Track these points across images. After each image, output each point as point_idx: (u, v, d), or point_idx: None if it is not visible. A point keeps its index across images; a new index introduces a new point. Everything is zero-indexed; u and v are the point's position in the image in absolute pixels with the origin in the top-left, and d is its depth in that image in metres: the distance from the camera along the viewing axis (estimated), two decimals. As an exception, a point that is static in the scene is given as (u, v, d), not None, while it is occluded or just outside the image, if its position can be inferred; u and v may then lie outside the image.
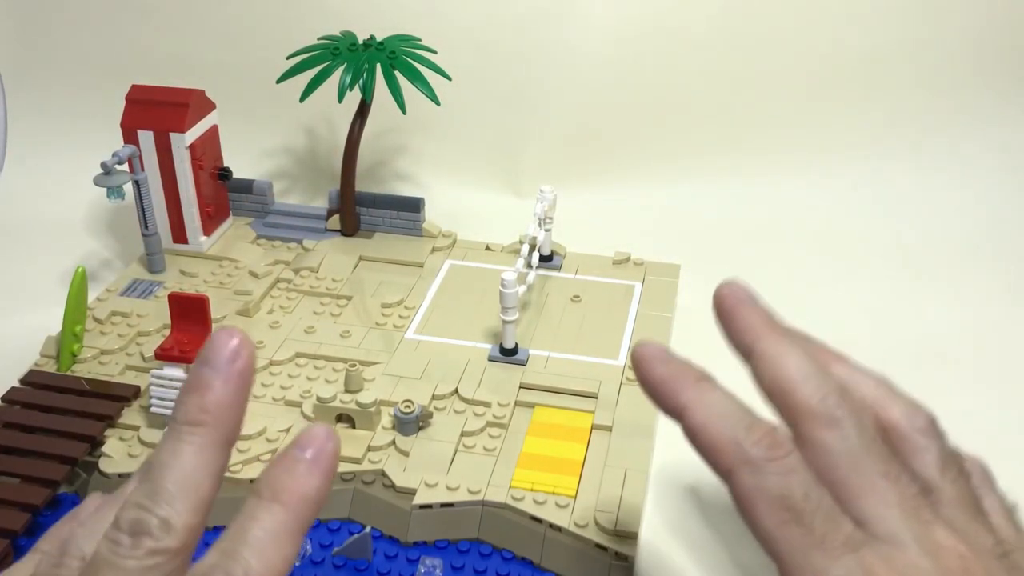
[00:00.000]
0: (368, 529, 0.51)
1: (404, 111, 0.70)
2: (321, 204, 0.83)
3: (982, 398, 0.65)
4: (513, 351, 0.64)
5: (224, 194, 0.79)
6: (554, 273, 0.74)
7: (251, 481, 0.55)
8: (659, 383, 0.37)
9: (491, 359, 0.64)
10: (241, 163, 0.82)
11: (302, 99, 0.71)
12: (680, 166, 0.89)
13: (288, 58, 0.72)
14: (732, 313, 0.38)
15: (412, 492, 0.53)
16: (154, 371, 0.57)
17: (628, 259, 0.75)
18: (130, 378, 0.62)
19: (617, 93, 0.88)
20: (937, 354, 0.69)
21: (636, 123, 0.89)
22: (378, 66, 0.71)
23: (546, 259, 0.74)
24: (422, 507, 0.53)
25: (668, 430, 0.60)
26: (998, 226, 0.84)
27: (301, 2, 0.88)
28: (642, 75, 0.88)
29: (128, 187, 0.70)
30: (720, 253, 0.81)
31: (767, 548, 0.33)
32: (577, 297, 0.71)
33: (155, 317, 0.67)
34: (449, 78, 0.73)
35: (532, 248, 0.68)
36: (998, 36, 0.87)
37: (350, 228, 0.78)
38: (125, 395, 0.60)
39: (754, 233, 0.84)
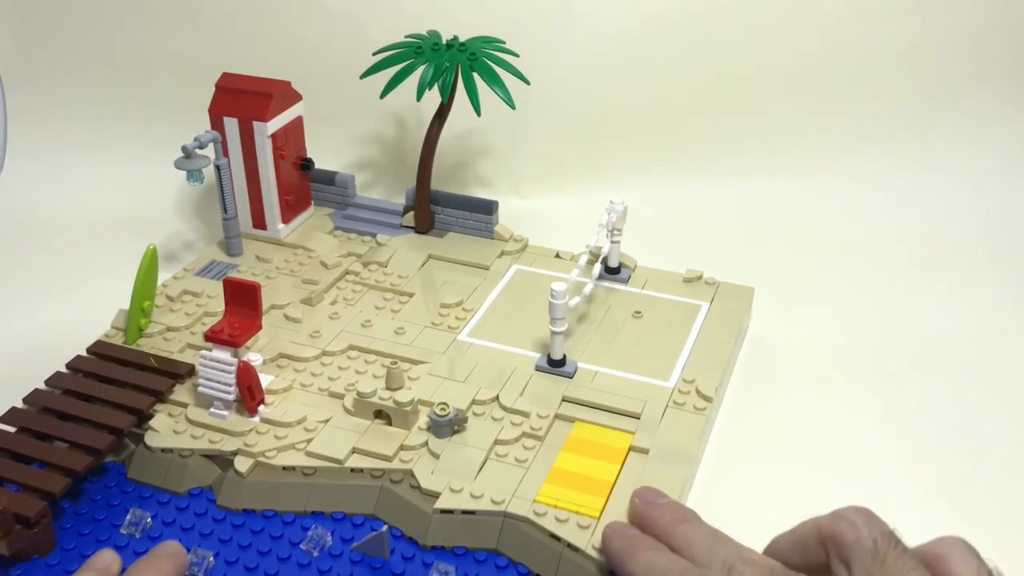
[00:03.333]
0: (386, 528, 0.51)
1: (479, 113, 0.70)
2: (402, 200, 0.83)
3: (982, 397, 0.65)
4: (561, 362, 0.63)
5: (306, 184, 0.81)
6: (620, 286, 0.72)
7: (284, 468, 0.56)
8: (614, 556, 0.48)
9: (538, 369, 0.63)
10: (328, 155, 0.83)
11: (382, 95, 0.72)
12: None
13: (374, 54, 0.73)
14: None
15: (436, 495, 0.53)
16: (203, 352, 0.58)
17: (700, 277, 0.72)
18: (189, 356, 0.64)
19: (627, 91, 0.88)
20: (938, 354, 0.69)
21: (644, 123, 0.89)
22: (458, 67, 0.71)
23: (613, 271, 0.72)
24: (443, 512, 0.52)
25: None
26: (998, 226, 0.84)
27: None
28: (650, 75, 0.88)
29: (210, 171, 0.72)
30: (728, 255, 0.80)
31: None
32: (639, 313, 0.69)
33: (223, 298, 0.69)
34: (528, 82, 0.72)
35: (594, 259, 0.67)
36: (998, 36, 0.86)
37: (423, 226, 0.79)
38: (180, 372, 0.62)
39: (754, 232, 0.83)
